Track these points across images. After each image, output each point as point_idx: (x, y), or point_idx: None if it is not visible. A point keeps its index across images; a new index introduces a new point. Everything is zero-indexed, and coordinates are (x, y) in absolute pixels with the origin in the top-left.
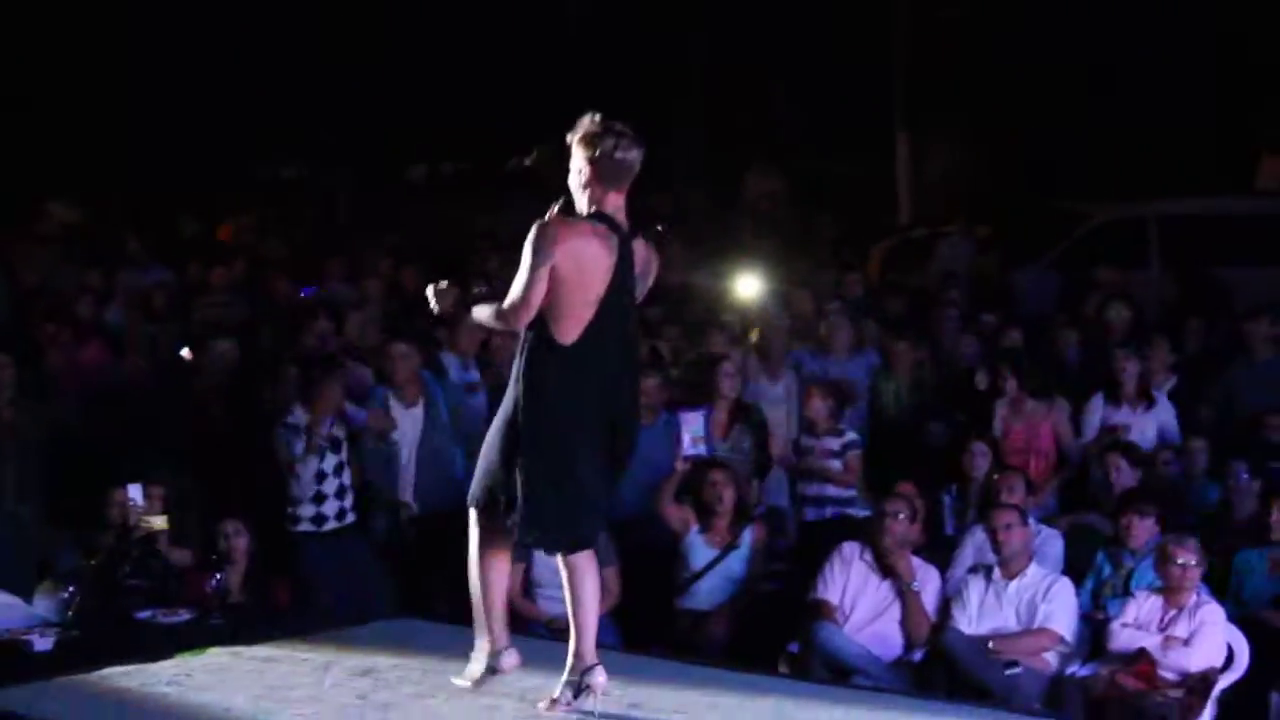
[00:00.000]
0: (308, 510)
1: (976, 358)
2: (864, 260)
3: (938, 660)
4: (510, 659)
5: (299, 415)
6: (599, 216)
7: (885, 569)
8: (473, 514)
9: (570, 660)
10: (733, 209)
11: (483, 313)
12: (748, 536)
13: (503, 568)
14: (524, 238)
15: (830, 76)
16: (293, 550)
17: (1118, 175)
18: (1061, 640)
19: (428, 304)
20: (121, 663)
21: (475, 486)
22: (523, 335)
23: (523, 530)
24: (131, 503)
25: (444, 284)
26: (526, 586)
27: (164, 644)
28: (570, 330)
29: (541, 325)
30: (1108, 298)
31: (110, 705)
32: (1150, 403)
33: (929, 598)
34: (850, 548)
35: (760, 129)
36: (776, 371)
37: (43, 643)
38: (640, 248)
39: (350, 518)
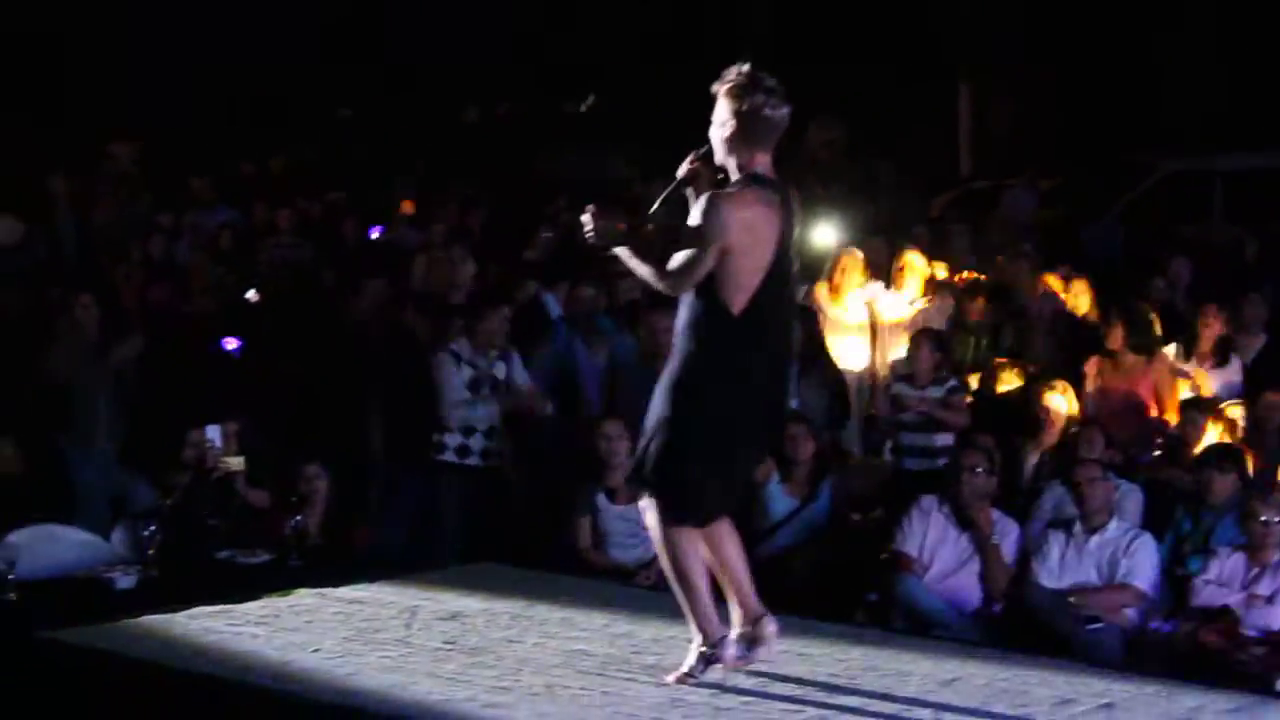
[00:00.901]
0: (453, 440)
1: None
2: (926, 211)
3: (1018, 614)
4: (727, 649)
5: (463, 345)
6: (759, 180)
7: (964, 521)
8: (650, 501)
9: (738, 617)
10: (795, 160)
11: (638, 265)
12: (826, 489)
13: (695, 550)
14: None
15: (894, 25)
16: (429, 478)
17: (1185, 127)
18: (1143, 596)
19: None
20: (207, 603)
21: (648, 469)
22: (689, 304)
23: (663, 497)
24: (210, 443)
25: (600, 213)
26: (596, 538)
27: (244, 584)
28: (739, 299)
29: (710, 295)
30: (1179, 253)
31: (199, 645)
32: (1223, 360)
33: (1008, 550)
34: (929, 500)
35: (822, 78)
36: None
37: (125, 580)
38: (794, 203)
39: (495, 459)
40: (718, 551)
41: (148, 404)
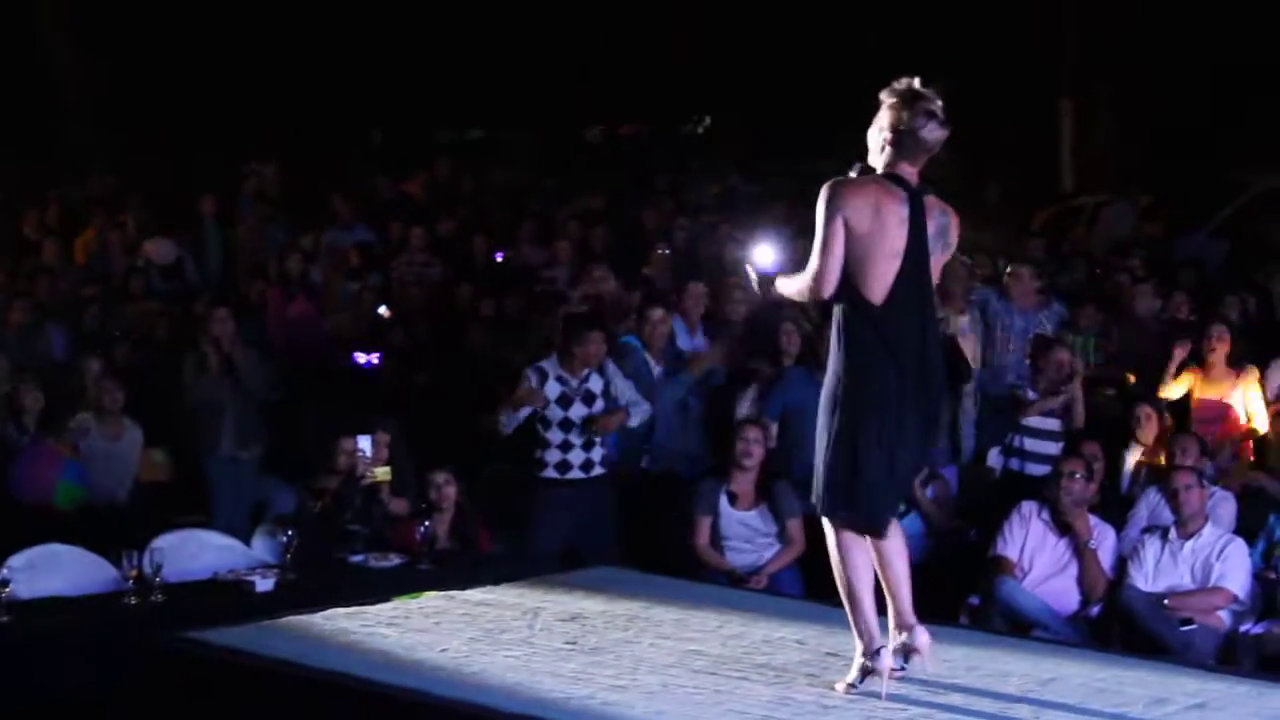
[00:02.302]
0: (553, 456)
1: (1161, 324)
2: (1028, 226)
3: (1114, 616)
4: (884, 660)
5: (553, 362)
6: (891, 178)
7: (1063, 527)
8: (831, 519)
9: (892, 627)
10: None
11: (790, 286)
12: (929, 492)
13: (865, 564)
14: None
15: (997, 42)
16: (533, 493)
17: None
18: (1235, 599)
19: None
20: (341, 605)
21: (818, 488)
22: (835, 312)
23: (834, 507)
24: (360, 453)
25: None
26: (714, 538)
27: (377, 588)
28: (878, 288)
29: (850, 290)
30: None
31: (333, 645)
32: None
33: (1105, 555)
34: (1029, 505)
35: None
36: (960, 309)
37: (264, 584)
38: (934, 206)
39: (598, 470)
40: (888, 562)
41: (287, 415)
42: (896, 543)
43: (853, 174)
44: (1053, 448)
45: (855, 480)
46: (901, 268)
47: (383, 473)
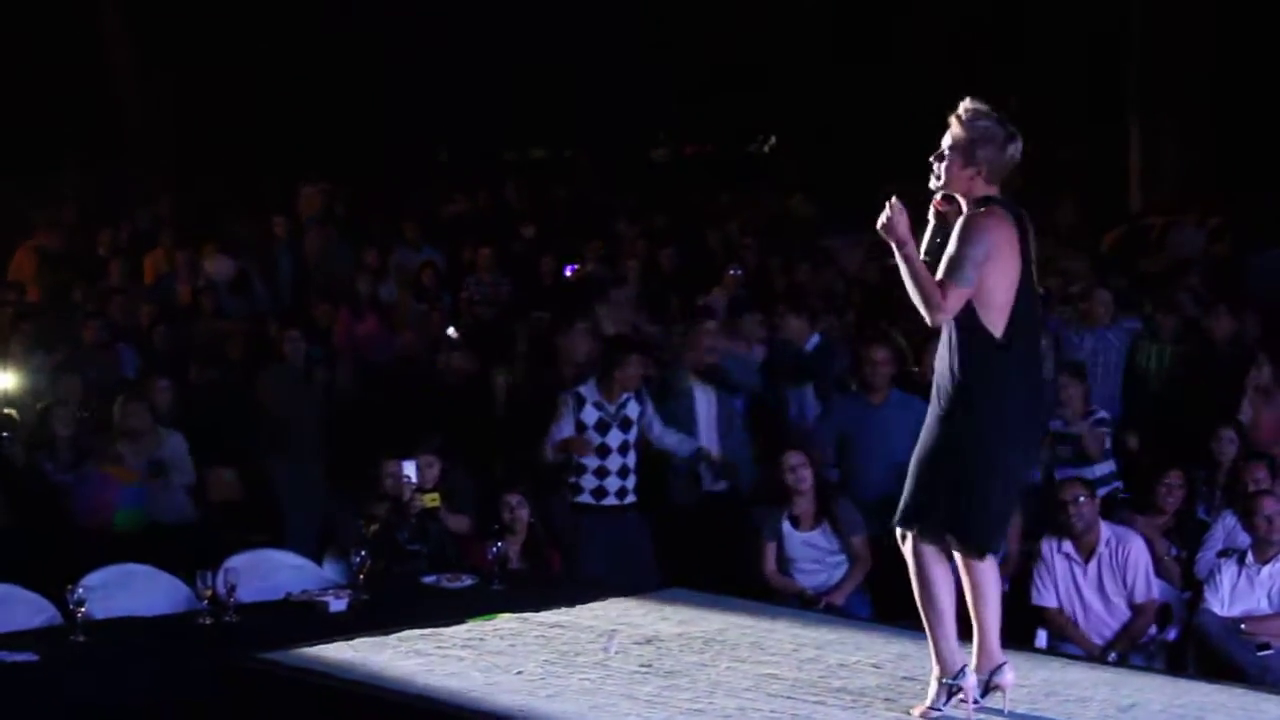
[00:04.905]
0: (589, 482)
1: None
2: (1097, 247)
3: (1190, 640)
4: (969, 680)
5: (591, 387)
6: (997, 201)
7: (1086, 553)
8: (906, 536)
9: (976, 659)
10: None
11: (911, 285)
12: None
13: (946, 587)
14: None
15: (1062, 60)
16: (568, 520)
17: None
18: None
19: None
20: (415, 626)
21: (908, 504)
22: (951, 335)
23: (977, 539)
24: (406, 479)
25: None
26: (780, 562)
27: (450, 609)
28: (999, 321)
29: (971, 318)
30: None
31: (407, 667)
32: None
33: (1138, 562)
34: (1046, 546)
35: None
36: None
37: (338, 604)
38: (1029, 226)
39: (631, 498)
40: (984, 593)
41: (356, 435)
42: (994, 572)
43: (939, 197)
44: (1090, 473)
45: (975, 505)
46: (1018, 300)
47: (431, 498)
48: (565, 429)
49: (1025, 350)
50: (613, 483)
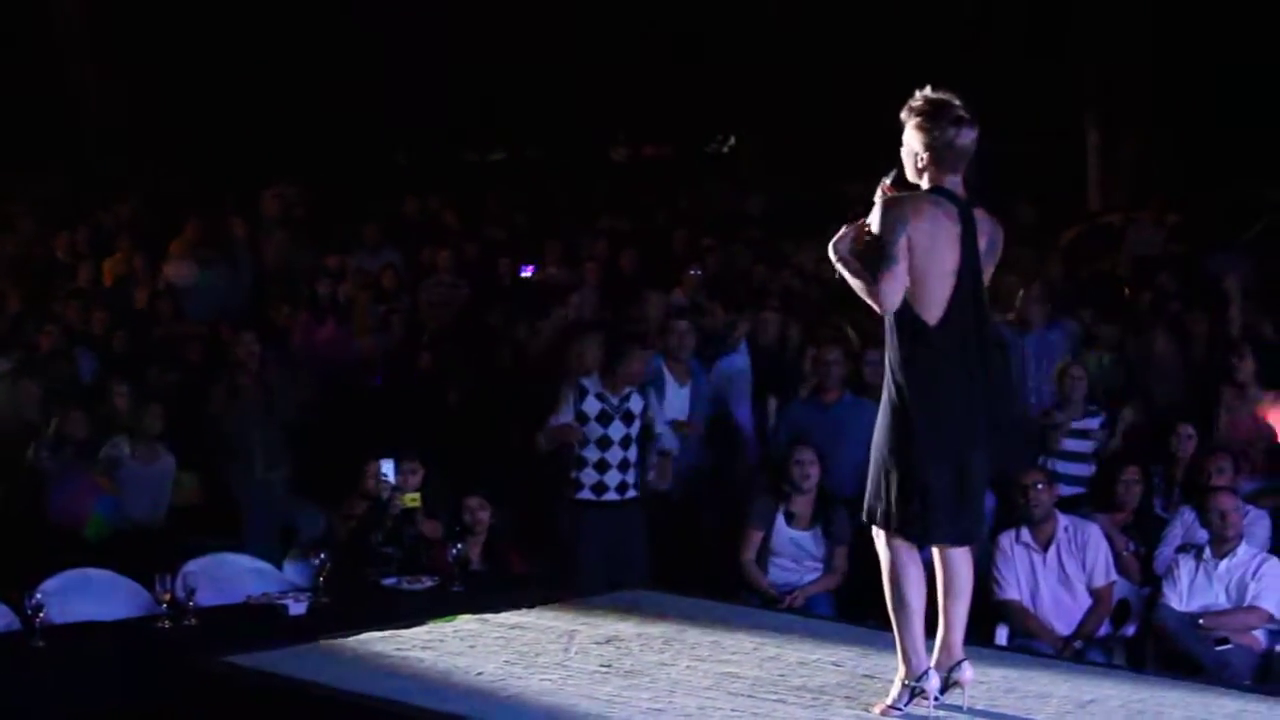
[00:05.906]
0: (589, 477)
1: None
2: (1054, 245)
3: (1149, 636)
4: (931, 682)
5: (594, 380)
6: (941, 192)
7: (1044, 541)
8: (875, 532)
9: (937, 654)
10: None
11: (853, 278)
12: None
13: (918, 587)
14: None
15: (1015, 60)
16: (567, 515)
17: None
18: (1271, 618)
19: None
20: (375, 628)
21: (870, 500)
22: (889, 327)
23: (920, 528)
24: (384, 477)
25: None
26: (761, 553)
27: (410, 610)
28: (934, 309)
29: (905, 308)
30: None
31: (368, 668)
32: None
33: (1097, 552)
34: (1005, 538)
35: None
36: None
37: (297, 607)
38: (984, 220)
39: (631, 492)
40: (953, 580)
41: (315, 438)
42: (968, 567)
43: (887, 181)
44: (1085, 470)
45: (913, 492)
46: (956, 290)
47: (411, 499)
48: (564, 418)
49: (961, 337)
50: (613, 477)
